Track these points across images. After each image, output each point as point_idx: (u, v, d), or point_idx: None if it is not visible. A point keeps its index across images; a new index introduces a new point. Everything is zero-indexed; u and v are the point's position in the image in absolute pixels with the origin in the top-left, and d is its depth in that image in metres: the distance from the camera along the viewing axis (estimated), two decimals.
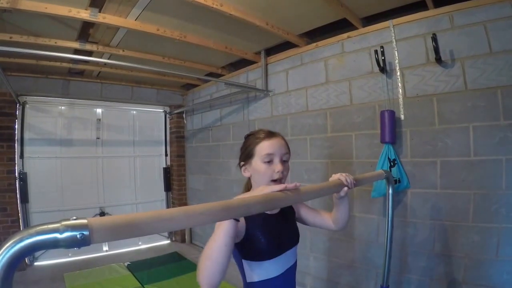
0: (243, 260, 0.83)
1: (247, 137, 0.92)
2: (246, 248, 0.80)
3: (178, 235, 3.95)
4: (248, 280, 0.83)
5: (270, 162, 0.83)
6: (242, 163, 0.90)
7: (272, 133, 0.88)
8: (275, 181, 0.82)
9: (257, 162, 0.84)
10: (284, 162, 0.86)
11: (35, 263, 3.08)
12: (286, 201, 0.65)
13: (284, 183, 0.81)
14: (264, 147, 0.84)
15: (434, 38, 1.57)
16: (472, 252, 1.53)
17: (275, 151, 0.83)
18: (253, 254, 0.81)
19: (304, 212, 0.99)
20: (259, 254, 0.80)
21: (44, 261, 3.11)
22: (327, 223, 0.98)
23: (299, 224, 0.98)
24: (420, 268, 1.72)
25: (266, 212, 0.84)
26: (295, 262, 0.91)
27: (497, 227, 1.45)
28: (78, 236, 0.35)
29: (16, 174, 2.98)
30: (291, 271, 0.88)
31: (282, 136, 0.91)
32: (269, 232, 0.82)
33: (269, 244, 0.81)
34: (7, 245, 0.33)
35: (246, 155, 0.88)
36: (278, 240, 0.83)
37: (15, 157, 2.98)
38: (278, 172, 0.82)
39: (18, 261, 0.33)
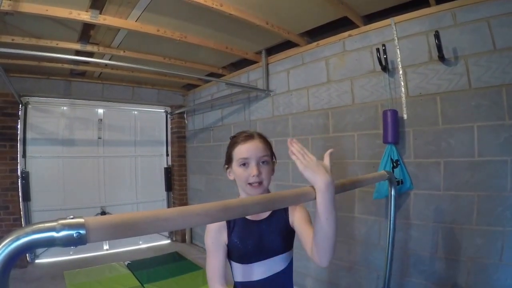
0: (229, 260, 0.88)
1: (230, 139, 0.92)
2: (229, 250, 0.86)
3: (179, 235, 3.95)
4: (234, 279, 0.89)
5: (245, 165, 0.84)
6: (226, 166, 0.91)
7: (248, 137, 0.87)
8: (250, 184, 0.83)
9: (235, 166, 0.86)
10: (263, 164, 0.85)
11: (36, 261, 3.10)
12: (284, 202, 0.64)
13: (265, 185, 0.84)
14: (239, 152, 0.85)
15: (437, 36, 1.54)
16: (476, 255, 1.50)
17: (249, 155, 0.84)
18: (233, 256, 0.86)
19: (296, 221, 0.84)
20: (238, 257, 0.85)
21: (45, 259, 3.13)
22: (305, 243, 0.78)
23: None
24: (422, 271, 1.70)
25: (248, 218, 0.86)
26: (286, 269, 0.87)
27: (501, 231, 1.42)
28: (74, 235, 0.35)
29: (19, 173, 3.01)
30: (280, 276, 0.86)
31: (264, 137, 0.89)
32: (247, 238, 0.84)
33: (246, 248, 0.83)
34: (4, 243, 0.33)
35: (227, 159, 0.90)
36: (258, 246, 0.84)
37: (17, 156, 3.01)
38: (253, 176, 0.82)
39: (14, 259, 0.33)
